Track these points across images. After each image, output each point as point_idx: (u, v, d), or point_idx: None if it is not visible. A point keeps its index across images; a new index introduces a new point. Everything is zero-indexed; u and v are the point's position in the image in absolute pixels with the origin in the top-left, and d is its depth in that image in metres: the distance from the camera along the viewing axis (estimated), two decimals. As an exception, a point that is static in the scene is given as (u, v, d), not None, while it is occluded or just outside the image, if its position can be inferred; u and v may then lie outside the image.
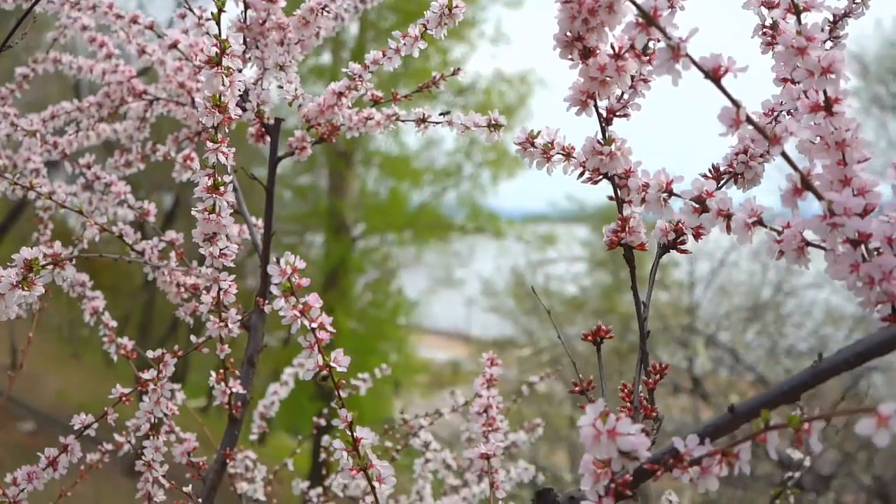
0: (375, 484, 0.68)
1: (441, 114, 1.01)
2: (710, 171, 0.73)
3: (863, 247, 0.55)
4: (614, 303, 9.27)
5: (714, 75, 0.53)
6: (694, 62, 0.53)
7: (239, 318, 0.95)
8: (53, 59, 1.33)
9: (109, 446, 1.17)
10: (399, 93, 1.03)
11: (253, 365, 1.07)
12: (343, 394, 0.69)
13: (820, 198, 0.54)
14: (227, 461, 1.03)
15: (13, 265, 0.71)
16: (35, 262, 0.70)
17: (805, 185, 0.54)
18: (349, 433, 0.68)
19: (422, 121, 1.00)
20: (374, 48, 0.95)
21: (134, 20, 1.13)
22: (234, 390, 1.02)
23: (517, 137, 0.69)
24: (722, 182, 0.72)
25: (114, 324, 1.14)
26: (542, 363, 8.05)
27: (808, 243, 0.57)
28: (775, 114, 0.73)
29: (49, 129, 1.23)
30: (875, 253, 0.54)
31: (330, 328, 0.66)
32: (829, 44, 0.76)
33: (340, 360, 0.66)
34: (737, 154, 0.72)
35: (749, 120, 0.53)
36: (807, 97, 0.57)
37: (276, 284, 0.64)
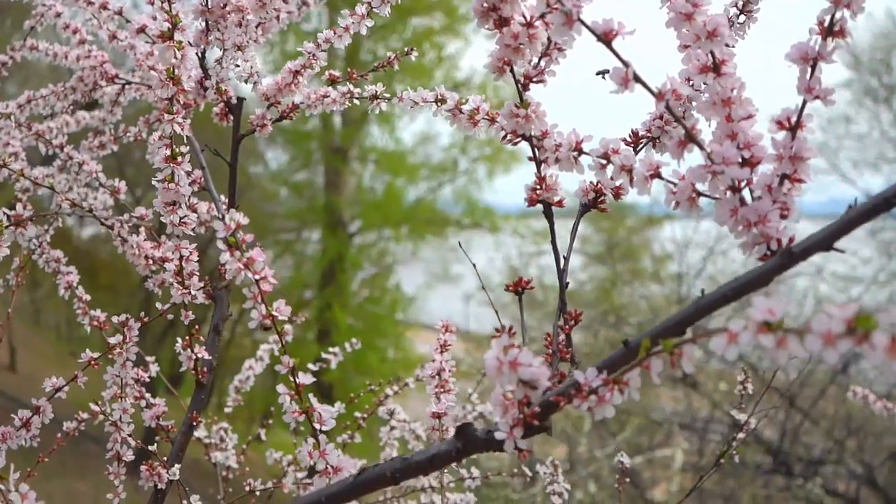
0: (317, 426, 0.73)
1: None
2: (629, 135, 0.78)
3: (746, 193, 0.61)
4: (609, 295, 9.31)
5: (606, 38, 0.58)
6: (586, 26, 0.58)
7: (201, 285, 1.00)
8: (30, 46, 1.37)
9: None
10: (355, 73, 1.08)
11: (219, 333, 1.12)
12: (287, 341, 0.74)
13: (702, 149, 0.59)
14: (195, 424, 1.08)
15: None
16: (-1, 224, 0.75)
17: (689, 138, 0.59)
18: (292, 378, 0.73)
19: (374, 97, 1.05)
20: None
21: (104, 6, 1.18)
22: (199, 356, 1.07)
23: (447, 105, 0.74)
24: (640, 146, 0.77)
25: (87, 297, 1.19)
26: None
27: (700, 193, 0.63)
28: (691, 81, 0.78)
29: (25, 114, 1.28)
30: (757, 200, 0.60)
31: (273, 280, 0.71)
32: (742, 17, 0.81)
33: (282, 309, 0.72)
34: (654, 119, 0.77)
35: (636, 78, 0.58)
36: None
37: (220, 239, 0.69)
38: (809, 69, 0.59)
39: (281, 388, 0.73)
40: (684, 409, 6.57)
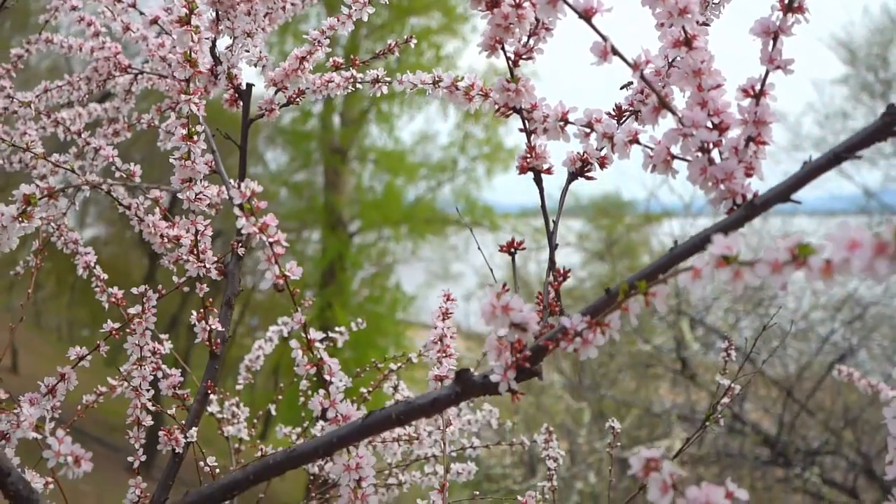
0: (327, 377, 0.79)
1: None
2: (613, 109, 0.84)
3: (714, 154, 0.67)
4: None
5: (586, 15, 0.65)
6: (568, 4, 0.65)
7: (215, 259, 1.07)
8: (45, 39, 1.44)
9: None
10: (358, 59, 1.15)
11: (231, 307, 1.18)
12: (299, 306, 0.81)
13: (675, 114, 0.65)
14: (209, 392, 1.15)
15: (13, 200, 0.83)
16: (32, 196, 0.81)
17: (662, 104, 0.65)
18: (304, 335, 0.79)
19: (376, 81, 1.12)
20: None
21: (118, -1, 1.25)
22: (213, 328, 1.14)
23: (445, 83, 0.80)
24: (624, 118, 0.84)
25: (105, 276, 1.26)
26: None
27: (674, 156, 0.69)
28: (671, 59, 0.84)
29: (43, 104, 1.35)
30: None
31: (285, 243, 0.77)
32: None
33: (294, 269, 0.78)
34: (636, 93, 0.83)
35: (614, 51, 0.64)
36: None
37: (237, 205, 0.76)
38: (771, 41, 0.66)
39: (294, 343, 0.80)
40: (683, 402, 6.63)
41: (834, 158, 0.59)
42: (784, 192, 0.61)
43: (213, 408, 1.43)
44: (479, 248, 1.14)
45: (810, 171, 0.60)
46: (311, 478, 1.54)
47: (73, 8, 1.33)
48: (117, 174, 1.25)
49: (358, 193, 12.27)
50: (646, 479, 0.54)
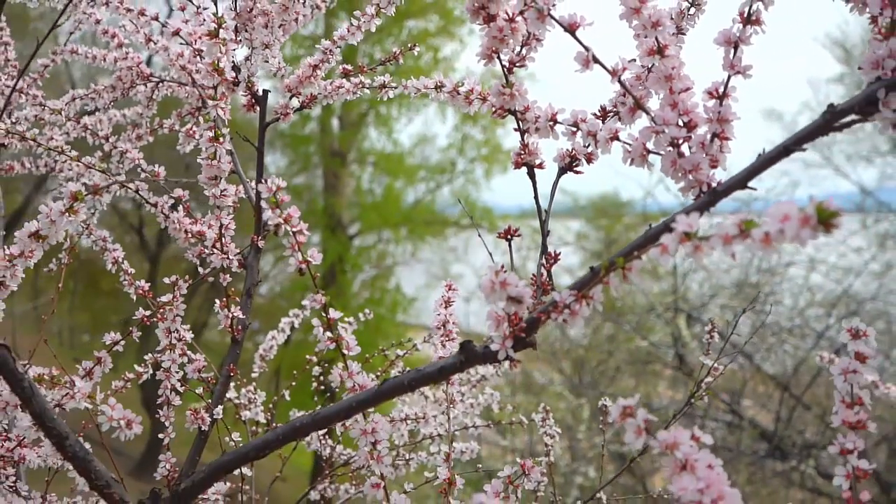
0: (345, 351, 0.89)
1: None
2: (598, 110, 0.94)
3: (684, 148, 0.77)
4: (608, 292, 9.43)
5: (571, 29, 0.75)
6: (555, 19, 0.74)
7: (238, 251, 1.16)
8: (71, 49, 1.54)
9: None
10: (365, 66, 1.25)
11: (250, 296, 1.28)
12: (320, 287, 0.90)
13: (648, 114, 0.75)
14: (231, 374, 1.24)
15: (61, 197, 0.92)
16: (79, 193, 0.91)
17: (637, 105, 0.75)
18: (324, 314, 0.89)
19: (382, 86, 1.22)
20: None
21: (141, 13, 1.35)
22: (235, 315, 1.23)
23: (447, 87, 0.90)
24: (608, 118, 0.94)
25: (132, 270, 1.35)
26: (544, 356, 8.26)
27: (649, 151, 0.79)
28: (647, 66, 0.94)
29: (72, 111, 1.45)
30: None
31: (306, 232, 0.87)
32: (692, 9, 0.97)
33: (315, 255, 0.88)
34: (618, 97, 0.93)
35: (595, 59, 0.74)
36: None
37: (264, 198, 0.85)
38: (732, 49, 0.76)
39: (315, 321, 0.89)
40: (682, 398, 6.72)
41: (784, 150, 0.69)
42: (742, 181, 0.71)
43: (230, 394, 1.53)
44: (484, 244, 1.24)
45: (764, 162, 0.70)
46: (321, 459, 1.64)
47: (98, 21, 1.43)
48: (142, 175, 1.35)
49: (357, 196, 12.37)
50: (622, 423, 0.64)
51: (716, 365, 1.35)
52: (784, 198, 8.60)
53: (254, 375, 1.69)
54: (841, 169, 9.11)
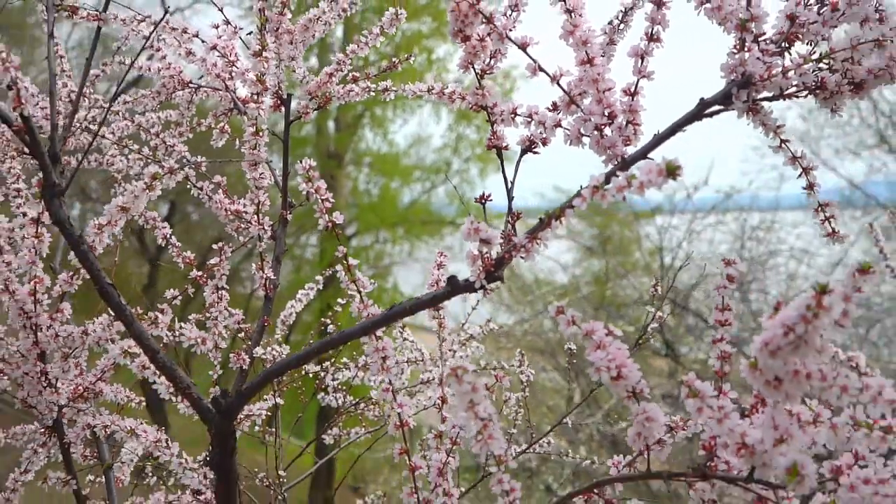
0: (360, 287, 1.18)
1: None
2: (551, 104, 1.23)
3: (607, 132, 1.06)
4: (604, 290, 9.74)
5: (523, 46, 1.04)
6: (510, 39, 1.04)
7: (271, 223, 1.46)
8: (119, 62, 1.83)
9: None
10: (370, 73, 1.54)
11: (279, 262, 1.58)
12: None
13: (579, 107, 1.05)
14: (265, 324, 1.53)
15: (141, 179, 1.21)
16: (157, 173, 1.20)
17: (571, 101, 1.05)
18: (345, 261, 1.19)
19: (386, 90, 1.51)
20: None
21: (184, 31, 1.64)
22: (268, 276, 1.53)
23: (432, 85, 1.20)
24: (557, 110, 1.23)
25: (179, 244, 1.64)
26: (539, 348, 8.54)
27: (582, 134, 1.08)
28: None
29: (124, 111, 1.74)
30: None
31: (331, 199, 1.16)
32: (622, 25, 1.27)
33: (338, 217, 1.17)
34: (563, 94, 1.22)
35: (540, 68, 1.04)
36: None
37: (299, 174, 1.15)
38: (640, 59, 1.05)
39: (338, 266, 1.19)
40: (668, 381, 7.03)
41: (667, 134, 0.99)
42: (640, 154, 1.00)
43: (257, 351, 1.82)
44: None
45: (657, 141, 0.99)
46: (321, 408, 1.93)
47: (146, 37, 1.72)
48: (186, 165, 1.64)
49: (354, 197, 12.64)
50: (556, 318, 0.93)
51: (659, 314, 1.64)
52: (772, 192, 8.91)
53: (276, 337, 1.99)
54: (829, 163, 9.41)
